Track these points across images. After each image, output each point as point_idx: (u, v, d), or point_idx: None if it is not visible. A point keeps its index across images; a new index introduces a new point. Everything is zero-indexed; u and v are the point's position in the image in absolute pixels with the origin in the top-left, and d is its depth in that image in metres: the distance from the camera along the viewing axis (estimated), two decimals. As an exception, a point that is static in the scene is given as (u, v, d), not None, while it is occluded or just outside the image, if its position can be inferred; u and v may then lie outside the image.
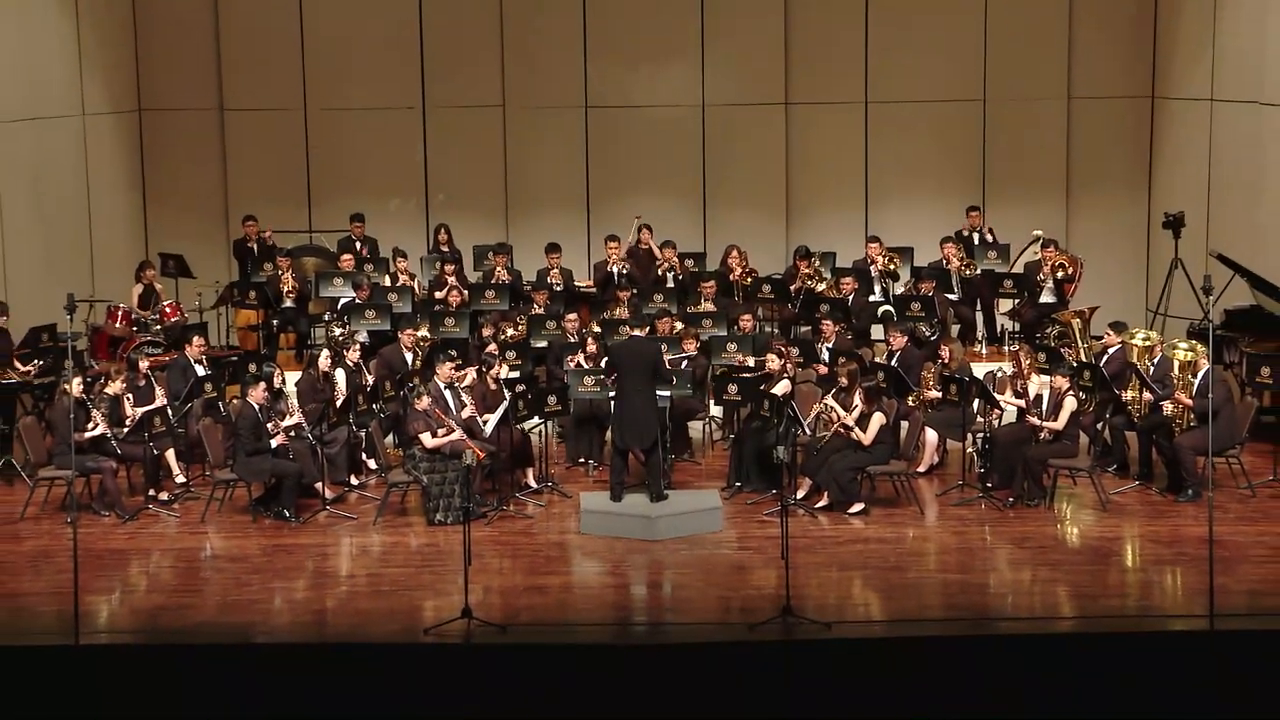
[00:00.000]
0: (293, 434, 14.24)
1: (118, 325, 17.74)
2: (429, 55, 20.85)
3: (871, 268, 18.04)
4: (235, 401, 14.84)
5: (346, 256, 18.32)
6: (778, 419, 14.19)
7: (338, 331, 16.59)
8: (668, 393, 14.76)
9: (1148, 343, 15.16)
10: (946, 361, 15.36)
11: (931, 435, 15.12)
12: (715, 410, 16.25)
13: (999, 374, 15.65)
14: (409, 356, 15.91)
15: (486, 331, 16.45)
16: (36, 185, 18.63)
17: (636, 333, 15.00)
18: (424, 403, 14.00)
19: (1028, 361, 14.87)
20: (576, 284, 18.46)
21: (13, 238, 18.09)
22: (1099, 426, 14.98)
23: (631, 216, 19.30)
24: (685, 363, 15.58)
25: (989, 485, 14.33)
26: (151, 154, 21.00)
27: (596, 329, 16.49)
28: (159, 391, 14.86)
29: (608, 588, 12.65)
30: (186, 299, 18.70)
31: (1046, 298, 17.78)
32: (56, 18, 19.15)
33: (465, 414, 14.27)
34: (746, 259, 18.24)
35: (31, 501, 14.24)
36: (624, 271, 18.10)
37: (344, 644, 11.57)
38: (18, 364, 15.73)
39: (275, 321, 18.20)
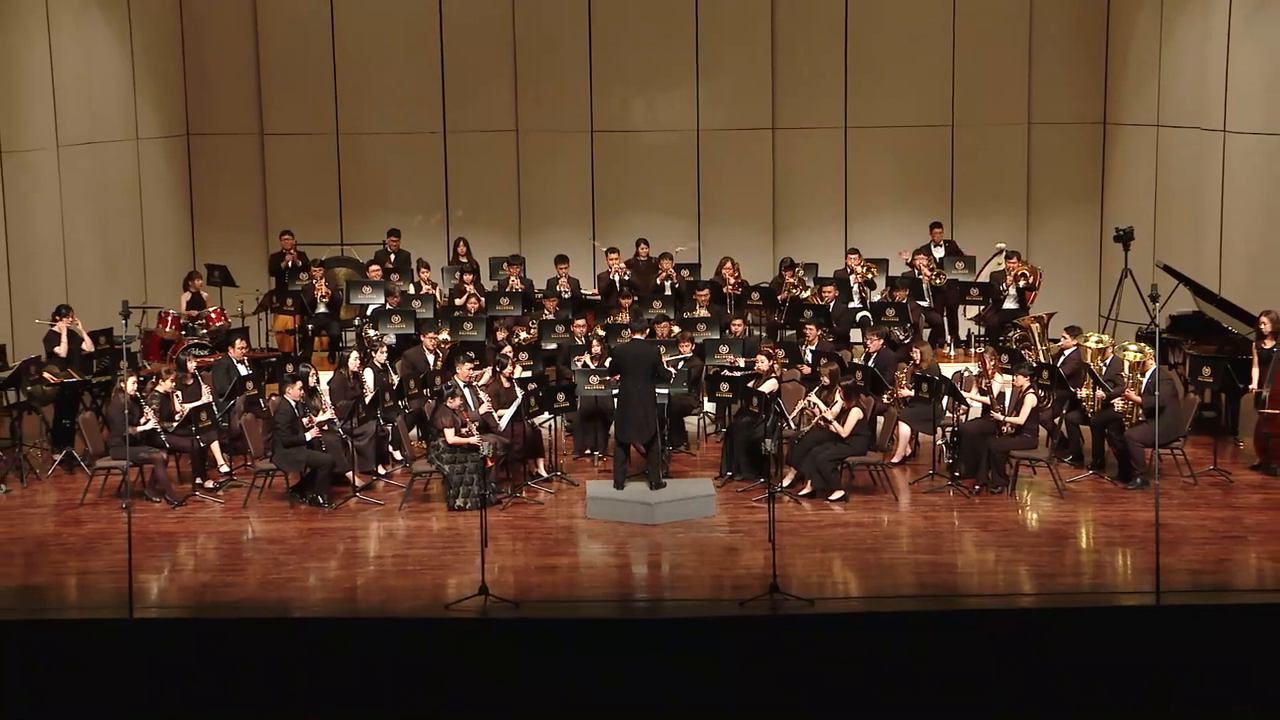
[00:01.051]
0: (326, 428, 14.25)
1: (168, 329, 17.77)
2: (449, 85, 20.86)
3: (851, 277, 18.03)
4: (274, 398, 14.83)
5: (374, 267, 18.33)
6: (765, 414, 14.19)
7: (372, 333, 16.60)
8: (666, 391, 14.76)
9: (1100, 345, 15.18)
10: (918, 362, 15.36)
11: (905, 429, 15.13)
12: (709, 406, 16.24)
13: (966, 374, 15.64)
14: (431, 358, 15.90)
15: (501, 335, 16.45)
16: (96, 203, 18.67)
17: (637, 336, 14.98)
18: (455, 402, 14.01)
19: (992, 362, 14.87)
20: (583, 292, 18.46)
21: (74, 250, 18.13)
22: (1056, 421, 14.97)
23: (629, 235, 19.30)
24: (682, 363, 15.58)
25: (957, 474, 14.33)
26: (198, 175, 21.03)
27: (601, 332, 16.50)
28: (205, 389, 14.88)
29: (611, 567, 12.66)
30: (230, 306, 18.72)
31: (1009, 304, 17.78)
32: (114, 53, 19.21)
33: (482, 410, 14.28)
34: (738, 269, 18.24)
35: (90, 489, 14.25)
36: (625, 280, 18.10)
37: (372, 618, 11.58)
38: (87, 343, 15.75)
39: (310, 326, 18.20)
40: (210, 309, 18.07)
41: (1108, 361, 14.85)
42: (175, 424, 14.42)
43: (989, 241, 19.02)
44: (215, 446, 14.75)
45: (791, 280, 17.92)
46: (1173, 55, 19.03)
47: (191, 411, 14.49)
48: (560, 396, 14.77)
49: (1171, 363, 16.35)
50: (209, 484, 14.50)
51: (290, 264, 18.88)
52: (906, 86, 20.67)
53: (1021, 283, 17.82)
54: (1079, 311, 18.82)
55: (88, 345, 15.81)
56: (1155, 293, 12.46)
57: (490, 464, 13.66)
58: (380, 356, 15.51)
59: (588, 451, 15.52)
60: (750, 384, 14.69)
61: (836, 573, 12.51)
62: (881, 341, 15.79)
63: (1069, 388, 14.85)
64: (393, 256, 18.97)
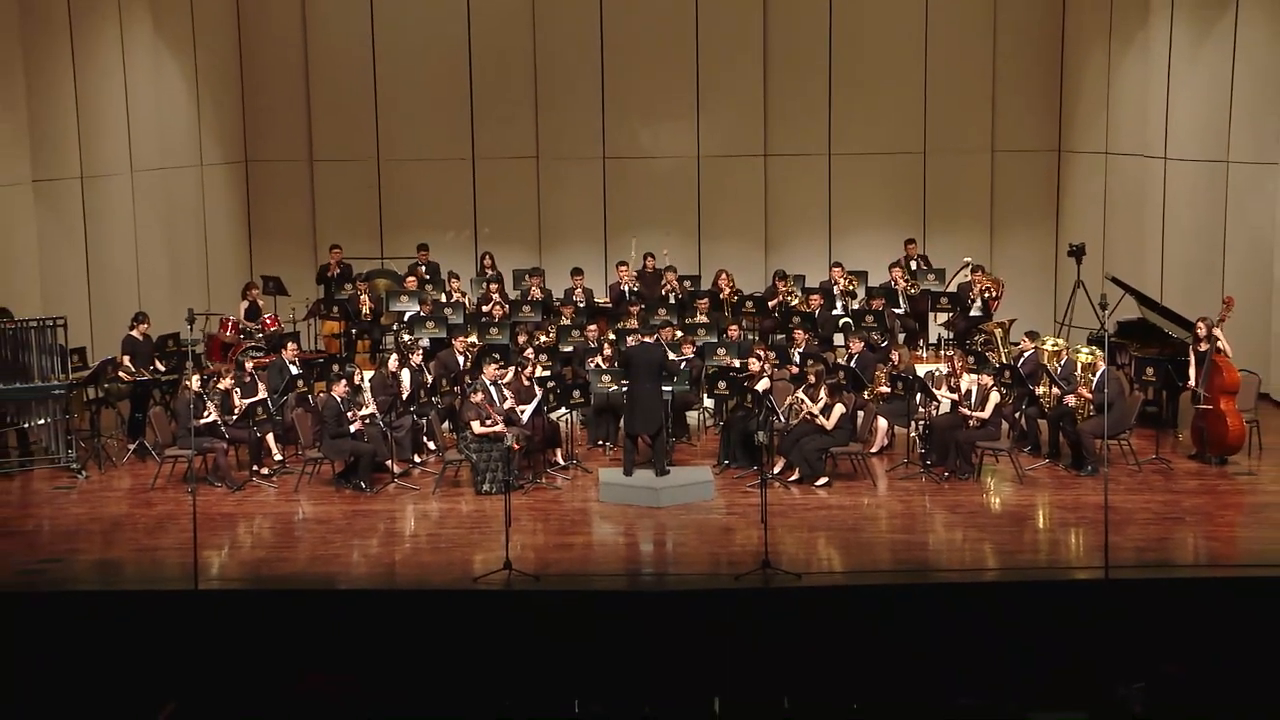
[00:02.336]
0: (368, 421, 14.25)
1: (228, 333, 17.77)
2: (477, 117, 20.87)
3: (834, 288, 18.00)
4: (322, 395, 14.84)
5: (410, 279, 18.34)
6: (758, 409, 14.18)
7: (407, 337, 16.60)
8: (670, 388, 14.74)
9: (1056, 348, 15.16)
10: (896, 363, 15.33)
11: (882, 422, 15.10)
12: (708, 402, 16.22)
13: (936, 373, 15.62)
14: (461, 359, 15.89)
15: (523, 339, 16.43)
16: (165, 222, 18.68)
17: (646, 340, 14.90)
18: (478, 398, 14.00)
19: (960, 363, 14.84)
20: (596, 300, 18.44)
21: (146, 264, 18.14)
22: (1017, 415, 14.96)
23: (641, 246, 19.33)
24: (684, 364, 15.57)
25: (928, 463, 14.30)
26: (255, 196, 21.05)
27: (612, 337, 16.48)
28: (261, 387, 14.88)
29: (621, 545, 12.64)
30: (283, 313, 18.71)
31: (975, 311, 17.75)
32: (182, 89, 19.23)
33: (506, 405, 14.27)
34: (733, 280, 18.21)
35: (160, 475, 14.26)
36: (634, 290, 18.08)
37: (409, 590, 11.58)
38: (158, 364, 15.79)
39: (354, 331, 18.19)
40: (265, 316, 18.07)
41: (1062, 362, 14.83)
42: (234, 417, 14.43)
43: (957, 256, 18.99)
44: (270, 437, 14.74)
45: (785, 289, 17.90)
46: (1119, 91, 19.03)
47: (249, 406, 14.51)
48: (576, 393, 14.76)
49: (1119, 363, 16.31)
50: (264, 471, 14.50)
51: (333, 275, 18.89)
52: (883, 118, 20.66)
53: (987, 294, 17.79)
54: (1037, 318, 18.80)
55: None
56: (1104, 301, 12.46)
57: (518, 448, 13.67)
58: (416, 358, 15.50)
59: (600, 442, 15.50)
60: (745, 382, 14.68)
61: (821, 550, 12.50)
62: (862, 345, 15.77)
63: (1028, 386, 14.83)
64: (424, 268, 18.96)
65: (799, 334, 16.22)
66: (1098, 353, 14.44)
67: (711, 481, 13.90)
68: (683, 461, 14.77)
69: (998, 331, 16.72)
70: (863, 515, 13.23)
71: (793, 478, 14.09)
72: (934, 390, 14.73)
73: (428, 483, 14.24)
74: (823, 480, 13.99)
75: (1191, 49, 17.34)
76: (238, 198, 20.80)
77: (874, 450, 15.02)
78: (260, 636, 11.00)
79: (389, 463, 14.35)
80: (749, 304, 17.74)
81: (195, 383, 14.05)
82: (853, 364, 15.44)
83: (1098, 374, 14.10)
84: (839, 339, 17.28)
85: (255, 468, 14.49)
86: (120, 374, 15.42)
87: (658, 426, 13.92)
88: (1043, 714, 10.45)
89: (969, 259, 18.59)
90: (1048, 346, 15.23)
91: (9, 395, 14.50)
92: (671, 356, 15.30)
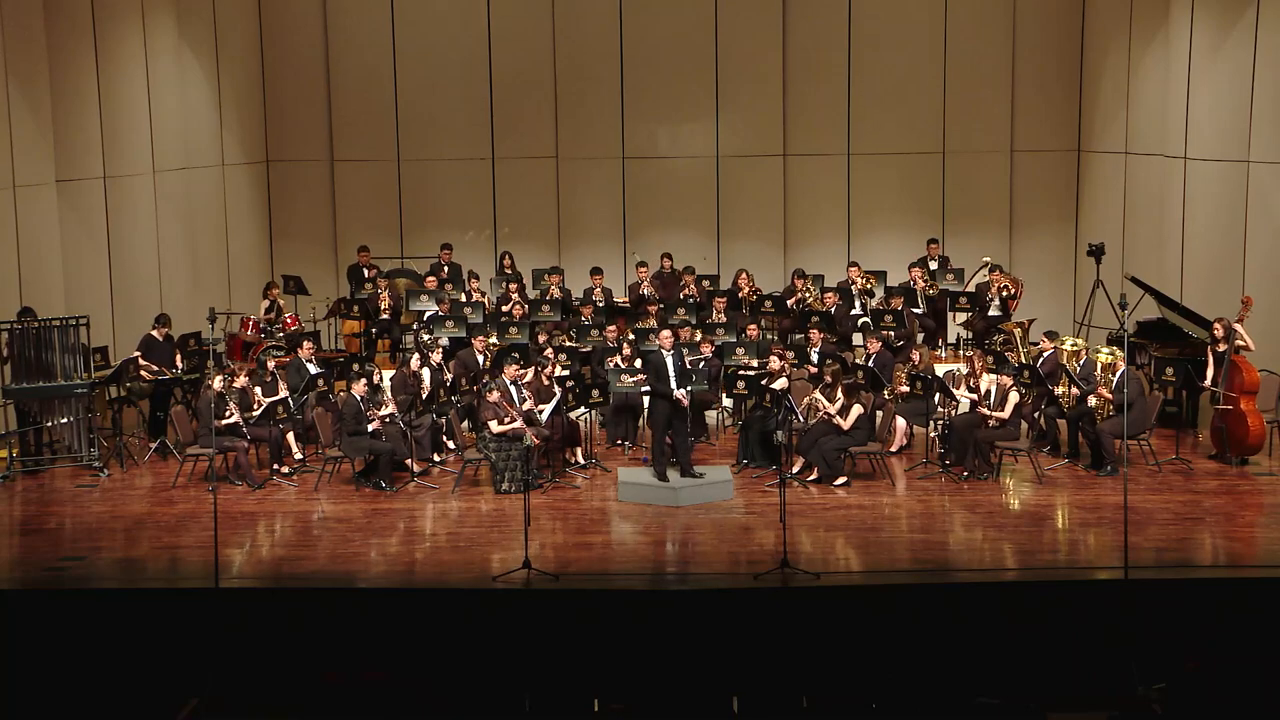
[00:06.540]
0: (387, 420, 14.25)
1: (249, 333, 17.79)
2: (497, 117, 20.88)
3: (852, 287, 17.95)
4: (342, 394, 14.84)
5: (431, 278, 18.34)
6: (777, 409, 14.14)
7: (425, 337, 16.60)
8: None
9: (1075, 348, 15.09)
10: (916, 363, 15.29)
11: (901, 422, 15.06)
12: (727, 402, 16.20)
13: (956, 373, 15.56)
14: (481, 359, 15.89)
15: (543, 338, 16.42)
16: (187, 222, 18.73)
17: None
18: (494, 396, 13.99)
19: (979, 363, 14.78)
20: (615, 300, 18.42)
21: (168, 263, 18.19)
22: (1036, 415, 14.90)
23: (656, 249, 19.31)
24: (703, 364, 15.53)
25: (947, 463, 14.26)
26: (276, 196, 21.09)
27: (630, 336, 16.46)
28: (281, 385, 14.90)
29: (640, 544, 12.62)
30: (304, 312, 18.75)
31: (994, 311, 17.68)
32: (204, 90, 19.28)
33: (525, 405, 14.26)
34: (752, 279, 18.18)
35: (181, 473, 14.29)
36: (646, 294, 18.04)
37: (428, 589, 11.58)
38: (179, 362, 15.81)
39: (374, 330, 18.21)
40: (286, 315, 18.10)
41: (1082, 362, 14.77)
42: (255, 416, 14.44)
43: (976, 256, 18.93)
44: (290, 436, 14.77)
45: (803, 289, 17.85)
46: (1139, 91, 18.95)
47: (269, 405, 14.53)
48: (595, 393, 14.74)
49: (1139, 363, 16.24)
50: (284, 469, 14.52)
51: (371, 275, 18.91)
52: (902, 118, 20.62)
53: (1005, 293, 17.72)
54: (1056, 318, 18.75)
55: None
56: (1124, 301, 12.40)
57: (537, 443, 13.66)
58: (436, 357, 15.50)
59: (619, 441, 15.48)
60: (763, 382, 14.64)
61: (840, 550, 12.46)
62: (880, 344, 15.72)
63: (1047, 386, 14.76)
64: (447, 268, 18.97)
65: (817, 334, 16.18)
66: (1117, 353, 14.38)
67: (730, 481, 13.87)
68: (701, 461, 14.73)
69: (1017, 331, 16.66)
70: (881, 515, 13.19)
71: (811, 477, 14.05)
72: (953, 390, 14.67)
73: (447, 482, 14.24)
74: (841, 480, 13.95)
75: (1212, 48, 17.24)
76: (259, 198, 20.84)
77: (893, 450, 14.97)
78: (280, 635, 10.99)
79: (409, 461, 14.35)
80: (767, 303, 17.70)
81: (219, 383, 14.08)
82: (871, 364, 15.39)
83: (1117, 374, 14.03)
84: (857, 339, 17.23)
85: (276, 466, 14.50)
86: (142, 373, 15.46)
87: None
88: (1062, 714, 10.39)
89: (988, 259, 18.54)
90: (1067, 346, 15.16)
91: (33, 394, 14.55)
92: (690, 356, 15.25)
